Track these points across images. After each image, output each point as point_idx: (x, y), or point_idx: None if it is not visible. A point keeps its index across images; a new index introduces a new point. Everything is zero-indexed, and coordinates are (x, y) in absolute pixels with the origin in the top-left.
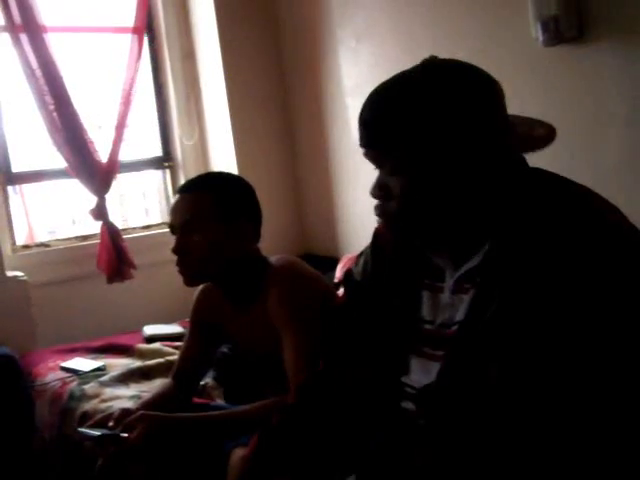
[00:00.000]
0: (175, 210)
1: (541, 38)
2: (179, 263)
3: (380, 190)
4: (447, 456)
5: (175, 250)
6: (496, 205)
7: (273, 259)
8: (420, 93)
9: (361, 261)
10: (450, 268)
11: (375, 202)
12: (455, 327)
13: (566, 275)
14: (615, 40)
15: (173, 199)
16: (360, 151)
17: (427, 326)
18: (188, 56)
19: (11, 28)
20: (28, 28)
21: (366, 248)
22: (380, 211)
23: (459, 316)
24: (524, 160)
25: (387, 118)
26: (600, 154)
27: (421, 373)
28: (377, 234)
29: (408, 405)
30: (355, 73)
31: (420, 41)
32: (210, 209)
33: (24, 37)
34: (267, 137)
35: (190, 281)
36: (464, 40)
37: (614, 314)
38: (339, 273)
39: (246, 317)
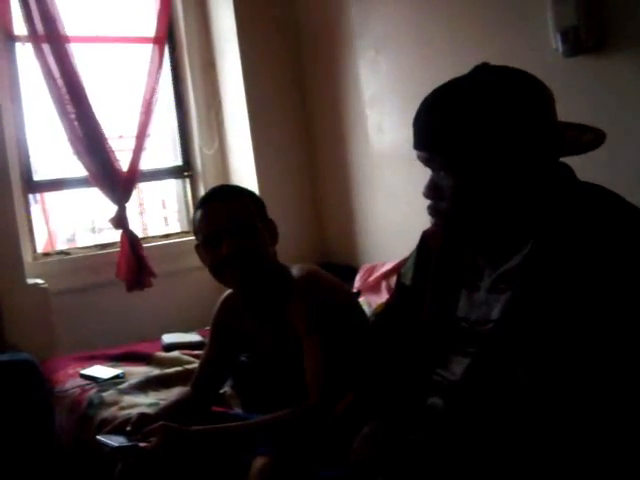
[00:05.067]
0: (223, 216)
1: (561, 49)
2: (240, 265)
3: (432, 191)
4: (469, 451)
5: (233, 253)
6: (540, 208)
7: (294, 268)
8: (474, 97)
9: (408, 264)
10: (489, 268)
11: (427, 202)
12: (490, 325)
13: (605, 284)
14: (635, 51)
15: (205, 209)
16: (378, 161)
17: (463, 324)
18: (208, 66)
19: (34, 38)
20: (50, 38)
21: (413, 251)
22: (432, 211)
23: (494, 315)
24: (570, 168)
25: (442, 120)
26: (617, 166)
27: (456, 370)
28: (424, 236)
29: (436, 401)
30: (374, 83)
31: (440, 51)
32: (256, 212)
33: (46, 47)
34: (286, 146)
35: (250, 282)
36: (484, 50)
37: None
38: (358, 283)
39: (266, 326)
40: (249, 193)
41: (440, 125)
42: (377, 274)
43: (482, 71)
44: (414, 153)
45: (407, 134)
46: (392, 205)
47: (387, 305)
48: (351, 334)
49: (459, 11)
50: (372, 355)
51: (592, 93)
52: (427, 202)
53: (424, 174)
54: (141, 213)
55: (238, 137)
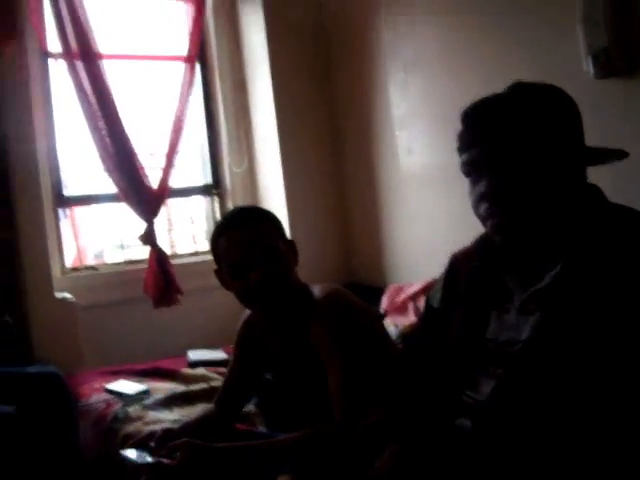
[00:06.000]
0: (248, 245)
1: (592, 71)
2: (269, 292)
3: (494, 194)
4: (496, 471)
5: (262, 281)
6: (570, 227)
7: (316, 288)
8: (514, 106)
9: (436, 286)
10: (518, 289)
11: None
12: (518, 346)
13: (636, 307)
14: None
15: (227, 237)
16: (406, 182)
17: (491, 345)
18: (239, 85)
19: (67, 55)
20: (83, 55)
21: (442, 274)
22: (491, 213)
23: (523, 335)
24: (599, 189)
25: (491, 119)
26: None
27: (484, 390)
28: (453, 259)
29: (464, 422)
30: (404, 104)
31: (470, 73)
32: (277, 235)
33: (79, 64)
34: (315, 166)
35: (278, 306)
36: (514, 72)
37: None
38: (385, 303)
39: (289, 346)
40: (268, 216)
41: (491, 122)
42: (404, 295)
43: (520, 86)
44: (443, 175)
45: (436, 156)
46: (419, 226)
47: (416, 327)
48: (373, 354)
49: (489, 33)
50: (402, 376)
51: (623, 115)
52: (454, 225)
53: (451, 196)
54: (169, 230)
55: (267, 156)
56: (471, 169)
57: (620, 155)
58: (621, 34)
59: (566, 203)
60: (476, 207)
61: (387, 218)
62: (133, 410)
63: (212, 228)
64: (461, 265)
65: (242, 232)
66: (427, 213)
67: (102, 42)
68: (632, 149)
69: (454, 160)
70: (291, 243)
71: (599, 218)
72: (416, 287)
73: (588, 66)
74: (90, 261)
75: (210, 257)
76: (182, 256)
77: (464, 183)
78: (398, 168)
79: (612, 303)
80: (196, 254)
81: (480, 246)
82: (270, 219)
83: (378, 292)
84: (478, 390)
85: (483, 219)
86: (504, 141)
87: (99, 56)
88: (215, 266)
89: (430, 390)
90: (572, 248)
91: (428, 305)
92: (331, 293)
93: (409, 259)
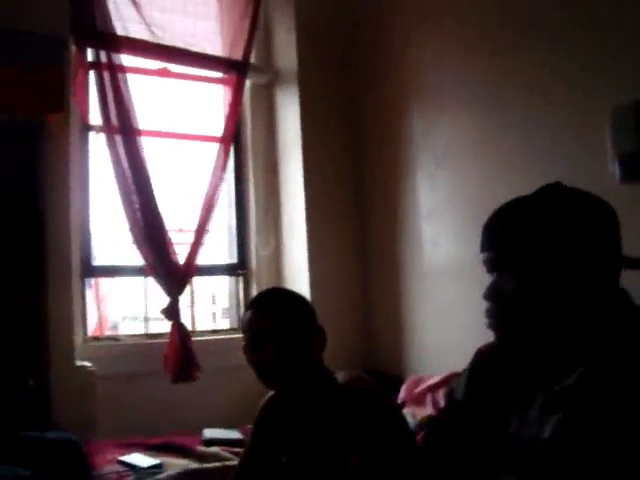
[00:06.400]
0: (269, 319)
1: (618, 174)
2: (282, 369)
3: (494, 291)
4: None
5: (275, 357)
6: (597, 329)
7: (340, 374)
8: (547, 210)
9: (461, 379)
10: (542, 387)
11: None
12: (540, 444)
13: None
14: None
15: (252, 310)
16: (430, 275)
17: (514, 442)
18: (271, 170)
19: (107, 129)
20: (123, 130)
21: (466, 366)
22: (490, 312)
23: (546, 433)
24: (628, 293)
25: (514, 223)
26: None
27: None
28: (479, 353)
29: None
30: (432, 198)
31: (497, 168)
32: (303, 317)
33: (118, 138)
34: (341, 254)
35: (290, 386)
36: (541, 171)
37: None
38: (403, 393)
39: (307, 429)
40: (299, 297)
41: (512, 227)
42: (423, 386)
43: (555, 189)
44: (467, 269)
45: (461, 250)
46: (441, 319)
47: (437, 419)
48: (395, 444)
49: (520, 131)
50: (424, 469)
51: None
52: (477, 320)
53: (475, 291)
54: (191, 306)
55: (294, 241)
56: (487, 268)
57: None
58: None
59: (587, 309)
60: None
61: (410, 308)
62: None
63: (235, 307)
64: (487, 360)
65: (265, 307)
66: (450, 306)
67: (141, 119)
68: None
69: (475, 254)
70: (318, 328)
71: (628, 322)
72: (436, 379)
73: (615, 169)
74: (111, 331)
75: (231, 336)
76: (202, 333)
77: (487, 279)
78: (422, 259)
79: (635, 411)
80: (217, 332)
81: (505, 342)
82: (299, 300)
83: (397, 382)
84: None
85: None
86: (520, 245)
87: (138, 132)
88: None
89: None
90: (598, 351)
91: (451, 397)
92: (357, 378)
93: (430, 351)
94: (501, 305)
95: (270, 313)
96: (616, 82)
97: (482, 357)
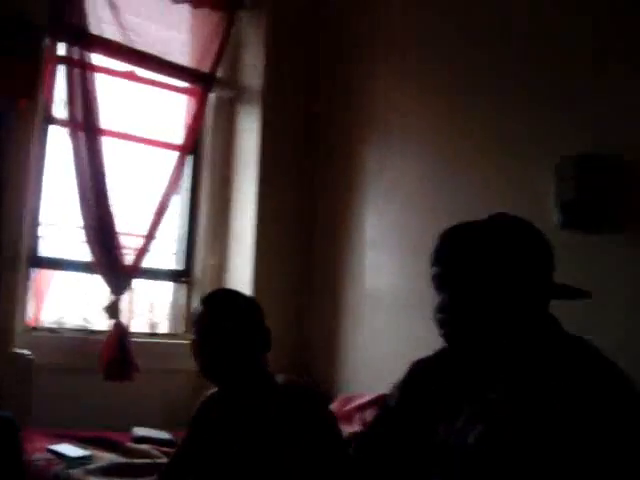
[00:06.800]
0: (213, 316)
1: (559, 220)
2: (203, 357)
3: (441, 304)
4: None
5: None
6: (523, 347)
7: (279, 376)
8: (488, 232)
9: (396, 388)
10: (468, 398)
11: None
12: (466, 450)
13: (572, 435)
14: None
15: (202, 308)
16: (370, 300)
17: (441, 448)
18: (226, 182)
19: (71, 124)
20: (87, 127)
21: (402, 377)
22: (440, 324)
23: (470, 440)
24: (556, 318)
25: (458, 244)
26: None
27: None
28: (414, 364)
29: None
30: (378, 227)
31: (442, 206)
32: (246, 318)
33: (81, 134)
34: (286, 272)
35: (222, 378)
36: (486, 209)
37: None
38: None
39: (247, 427)
40: (250, 299)
41: (453, 246)
42: (353, 404)
43: (499, 216)
44: (406, 297)
45: (402, 278)
46: (378, 343)
47: (370, 426)
48: (330, 446)
49: (466, 167)
50: (356, 469)
51: (585, 266)
52: (411, 345)
53: (412, 318)
54: (130, 308)
55: (241, 256)
56: (435, 282)
57: (584, 294)
58: (589, 189)
59: (516, 326)
60: (434, 316)
61: (347, 330)
62: (75, 472)
63: (175, 313)
64: (421, 371)
65: (213, 305)
66: (386, 332)
67: (104, 118)
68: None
69: (419, 285)
70: (264, 330)
71: (552, 343)
72: (366, 399)
73: (556, 215)
74: (51, 324)
75: (169, 340)
76: (141, 335)
77: (426, 308)
78: (364, 285)
79: (552, 424)
80: (155, 335)
81: (439, 356)
82: (246, 301)
83: (328, 400)
84: None
85: (438, 327)
86: (462, 262)
87: (100, 131)
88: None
89: None
90: (518, 368)
91: (385, 404)
92: (297, 380)
93: (363, 373)
94: (446, 317)
95: (220, 310)
96: (559, 137)
97: (417, 367)
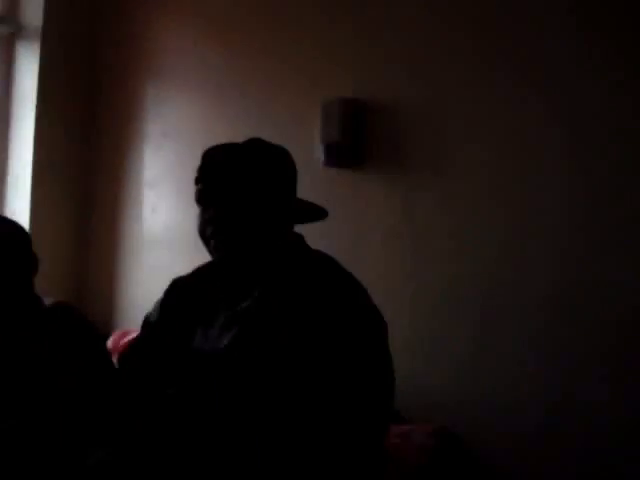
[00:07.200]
0: None
1: (323, 159)
2: None
3: (206, 219)
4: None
5: None
6: (271, 260)
7: (48, 299)
8: (243, 157)
9: (156, 305)
10: (224, 308)
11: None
12: (218, 354)
13: (310, 331)
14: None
15: None
16: (148, 240)
17: (197, 355)
18: (2, 121)
19: None
20: None
21: (162, 294)
22: (208, 236)
23: (221, 344)
24: (302, 236)
25: (218, 163)
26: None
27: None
28: (174, 282)
29: None
30: (157, 166)
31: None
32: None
33: None
34: (63, 212)
35: None
36: None
37: (328, 347)
38: (110, 344)
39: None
40: (15, 224)
41: (212, 165)
42: (129, 337)
43: (254, 141)
44: (181, 234)
45: (176, 215)
46: (156, 280)
47: (133, 339)
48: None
49: (239, 113)
50: (119, 382)
51: (347, 202)
52: None
53: (187, 254)
54: None
55: (18, 193)
56: (201, 198)
57: (321, 213)
58: (350, 132)
59: (270, 241)
60: (202, 230)
61: (125, 269)
62: None
63: None
64: (178, 287)
65: None
66: (164, 269)
67: None
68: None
69: (192, 221)
70: (32, 254)
71: (296, 256)
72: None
73: (321, 155)
74: None
75: None
76: None
77: (200, 246)
78: (141, 226)
79: (294, 324)
80: None
81: (197, 272)
82: (10, 225)
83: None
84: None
85: (207, 240)
86: (225, 179)
87: None
88: None
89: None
90: (269, 279)
91: (146, 320)
92: (64, 302)
93: (142, 311)
94: (222, 230)
95: None
96: (325, 82)
97: (176, 284)
